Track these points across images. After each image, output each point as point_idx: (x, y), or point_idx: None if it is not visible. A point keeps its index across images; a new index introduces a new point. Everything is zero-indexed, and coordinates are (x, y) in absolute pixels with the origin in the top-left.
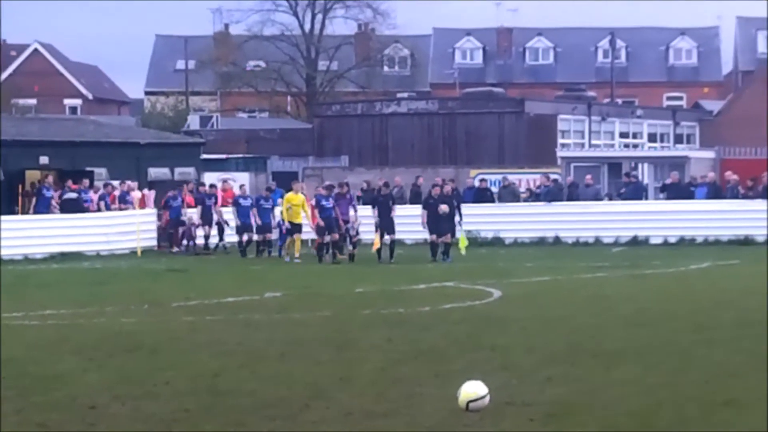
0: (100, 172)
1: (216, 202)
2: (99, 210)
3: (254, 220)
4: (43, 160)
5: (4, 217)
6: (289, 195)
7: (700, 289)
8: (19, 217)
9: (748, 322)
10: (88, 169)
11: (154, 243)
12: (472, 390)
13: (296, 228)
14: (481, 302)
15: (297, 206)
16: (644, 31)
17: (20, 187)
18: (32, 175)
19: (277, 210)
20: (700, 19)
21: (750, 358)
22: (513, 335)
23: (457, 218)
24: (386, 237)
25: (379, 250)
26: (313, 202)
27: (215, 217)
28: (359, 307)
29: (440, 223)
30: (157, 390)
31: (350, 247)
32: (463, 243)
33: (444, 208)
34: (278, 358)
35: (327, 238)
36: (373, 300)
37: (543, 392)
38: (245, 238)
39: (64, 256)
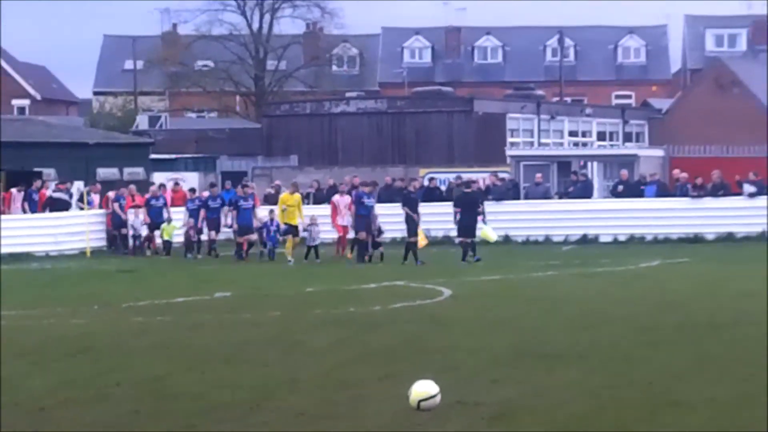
0: (49, 172)
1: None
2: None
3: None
4: None
5: None
6: (284, 195)
7: (648, 288)
8: None
9: (694, 323)
10: (36, 169)
11: (104, 243)
12: (423, 389)
13: (292, 230)
14: (432, 301)
15: (293, 207)
16: (592, 29)
17: None
18: None
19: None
20: (649, 18)
21: (694, 359)
22: (461, 336)
23: (480, 216)
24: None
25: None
26: (349, 198)
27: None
28: (310, 307)
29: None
30: (106, 392)
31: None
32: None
33: None
34: (227, 360)
35: (360, 235)
36: (323, 300)
37: (490, 393)
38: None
39: (12, 257)
